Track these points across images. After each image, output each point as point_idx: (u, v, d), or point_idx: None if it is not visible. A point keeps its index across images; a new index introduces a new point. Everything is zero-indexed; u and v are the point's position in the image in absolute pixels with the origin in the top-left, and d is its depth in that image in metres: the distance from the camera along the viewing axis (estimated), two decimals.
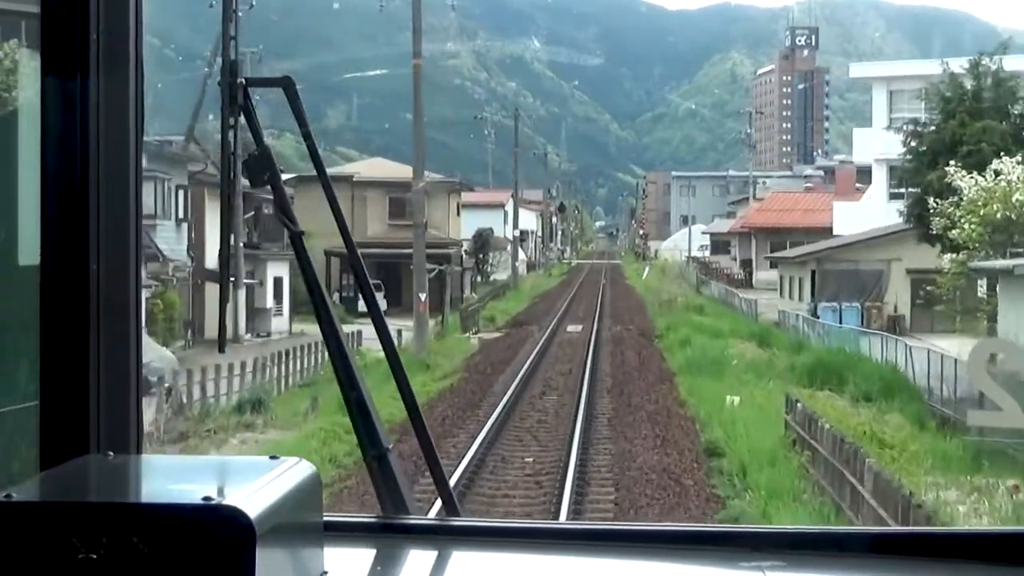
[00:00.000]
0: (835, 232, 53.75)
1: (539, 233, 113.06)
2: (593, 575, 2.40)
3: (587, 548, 2.48)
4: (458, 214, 64.93)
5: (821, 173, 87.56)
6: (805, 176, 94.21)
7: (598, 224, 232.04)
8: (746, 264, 74.04)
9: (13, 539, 1.78)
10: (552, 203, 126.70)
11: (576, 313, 53.46)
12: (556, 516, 15.35)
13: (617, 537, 2.55)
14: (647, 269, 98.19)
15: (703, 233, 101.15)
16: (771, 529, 2.50)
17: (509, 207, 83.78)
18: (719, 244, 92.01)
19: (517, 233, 79.76)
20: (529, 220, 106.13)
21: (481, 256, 74.80)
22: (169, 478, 2.04)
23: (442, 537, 2.51)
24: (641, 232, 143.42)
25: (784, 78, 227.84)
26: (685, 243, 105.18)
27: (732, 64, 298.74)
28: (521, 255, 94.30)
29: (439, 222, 55.57)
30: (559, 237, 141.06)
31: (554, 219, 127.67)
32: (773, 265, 62.15)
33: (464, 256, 66.66)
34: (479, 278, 72.69)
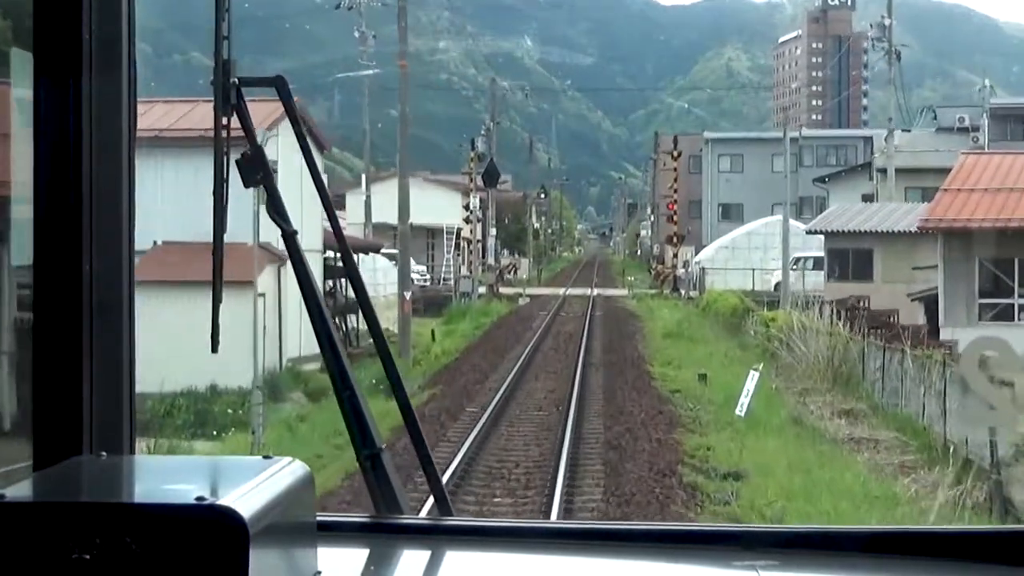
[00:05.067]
0: None
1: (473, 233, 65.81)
2: (586, 575, 2.41)
3: (580, 548, 2.49)
4: None
5: None
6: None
7: (581, 227, 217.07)
8: None
9: (6, 540, 1.78)
10: (474, 168, 63.49)
11: None
12: None
13: (610, 536, 2.56)
14: (761, 374, 24.92)
15: (809, 232, 49.73)
16: (765, 528, 2.50)
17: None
18: (846, 258, 44.75)
19: None
20: (451, 208, 65.98)
21: None
22: (162, 478, 2.05)
23: (435, 537, 2.51)
24: (672, 233, 69.94)
25: (813, 44, 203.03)
26: (749, 251, 61.96)
27: (727, 60, 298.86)
28: (419, 275, 55.76)
29: None
30: (492, 238, 74.54)
31: (475, 201, 63.71)
32: None
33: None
34: None
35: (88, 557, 1.76)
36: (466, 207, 61.91)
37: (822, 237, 47.75)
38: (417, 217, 55.09)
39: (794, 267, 49.35)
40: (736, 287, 53.40)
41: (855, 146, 71.26)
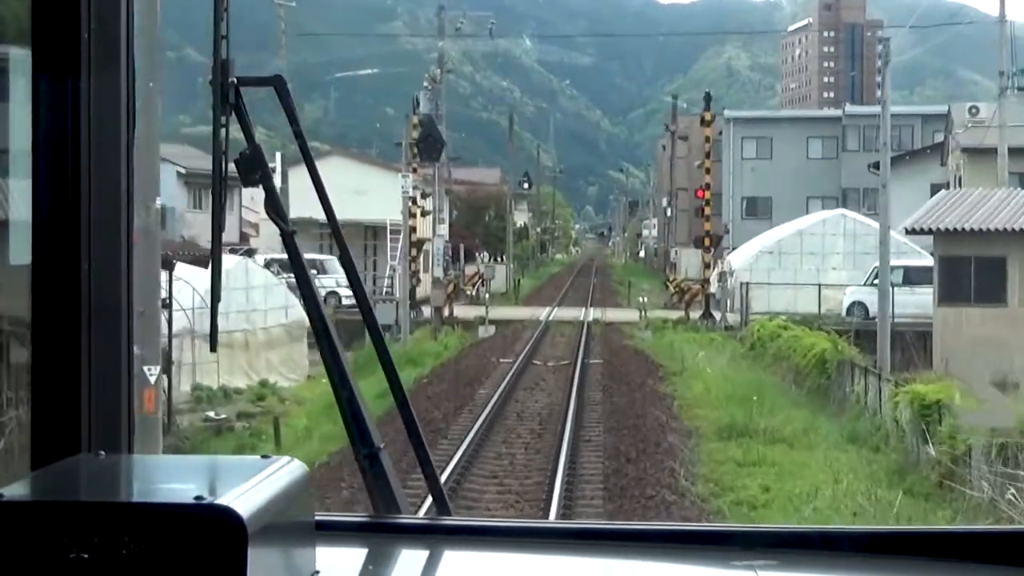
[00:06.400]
0: None
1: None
2: (585, 574, 2.41)
3: (579, 547, 2.49)
4: None
5: None
6: None
7: (579, 227, 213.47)
8: None
9: (4, 539, 1.78)
10: (414, 136, 44.21)
11: None
12: None
13: (608, 536, 2.56)
14: None
15: (909, 232, 33.42)
16: (764, 528, 2.50)
17: None
18: (966, 270, 30.08)
19: None
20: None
21: None
22: (161, 477, 2.04)
23: (434, 536, 2.51)
24: (704, 234, 49.78)
25: (825, 33, 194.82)
26: (801, 257, 46.39)
27: (727, 58, 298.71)
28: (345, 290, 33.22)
29: None
30: (442, 238, 51.92)
31: (408, 183, 41.10)
32: None
33: None
34: None
35: (86, 556, 1.76)
36: (408, 194, 41.61)
37: (907, 239, 35.41)
38: (351, 210, 41.02)
39: (875, 281, 33.43)
40: (783, 308, 39.25)
41: (911, 126, 58.27)
